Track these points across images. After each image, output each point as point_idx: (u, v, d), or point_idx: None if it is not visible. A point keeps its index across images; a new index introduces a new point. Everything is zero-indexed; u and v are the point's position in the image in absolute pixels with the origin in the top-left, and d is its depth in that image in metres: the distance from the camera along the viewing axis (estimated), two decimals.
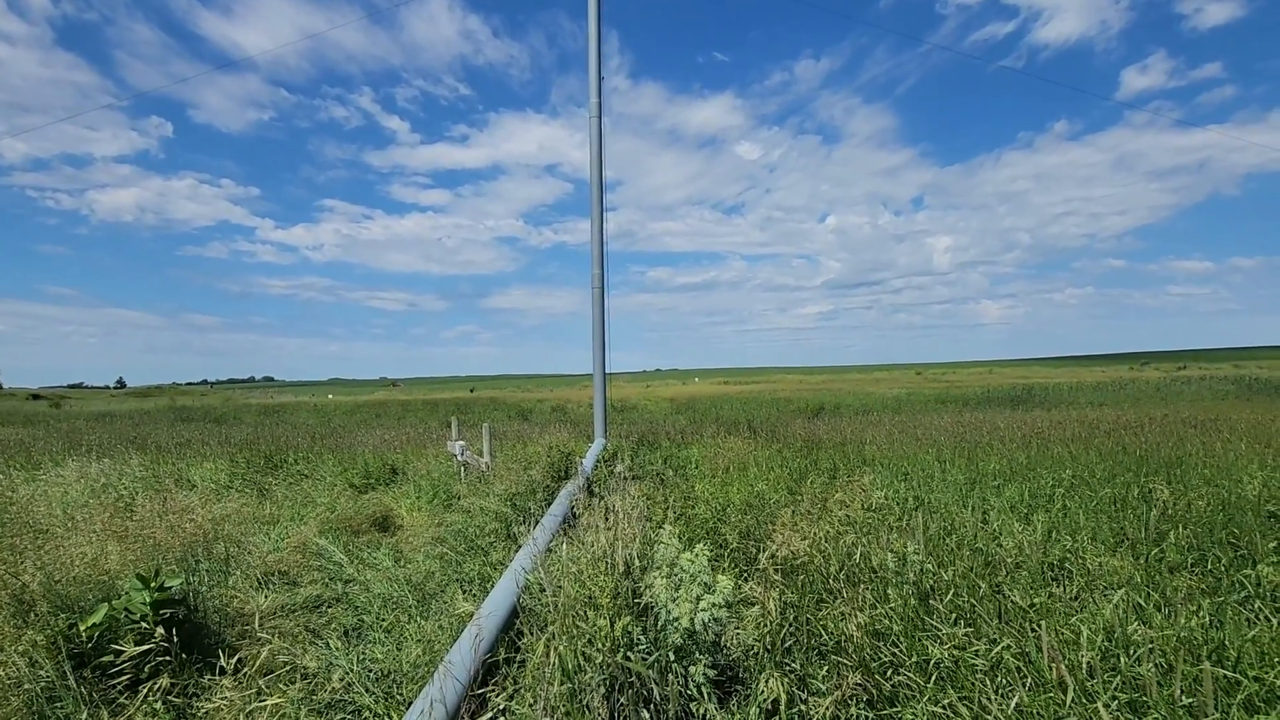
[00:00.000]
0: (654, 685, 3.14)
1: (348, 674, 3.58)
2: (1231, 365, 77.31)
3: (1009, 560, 4.64)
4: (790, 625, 3.88)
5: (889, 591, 4.02)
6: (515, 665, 3.53)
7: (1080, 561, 4.70)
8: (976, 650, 3.28)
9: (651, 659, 3.21)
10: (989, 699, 2.93)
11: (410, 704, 3.10)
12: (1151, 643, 3.17)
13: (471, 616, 3.69)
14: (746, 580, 4.94)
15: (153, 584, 3.87)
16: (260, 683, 3.40)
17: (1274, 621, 3.52)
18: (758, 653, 3.59)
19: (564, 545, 4.27)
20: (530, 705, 3.08)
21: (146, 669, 3.60)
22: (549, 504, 7.00)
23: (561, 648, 3.18)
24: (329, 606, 5.18)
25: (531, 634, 3.54)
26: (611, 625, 3.21)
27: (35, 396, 77.77)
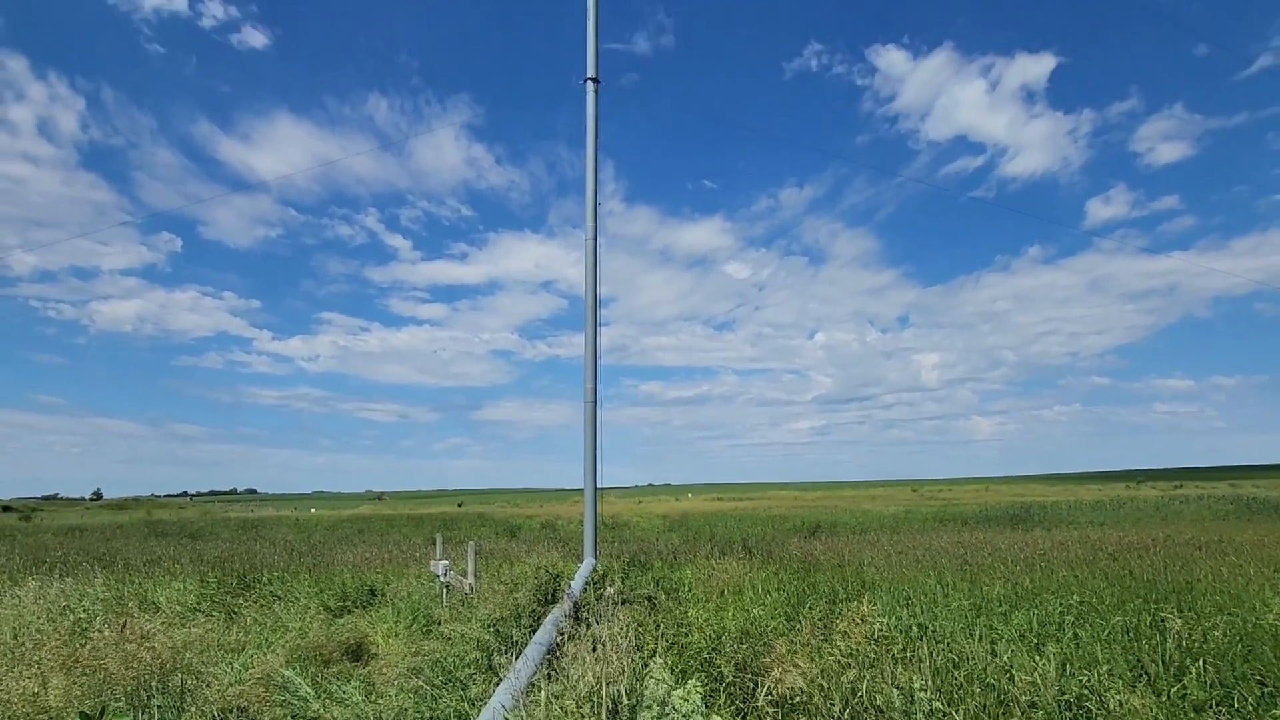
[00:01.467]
0: None
1: None
2: (1228, 484, 76.77)
3: (1023, 698, 4.34)
4: None
5: None
6: None
7: (1099, 700, 4.40)
8: None
9: None
10: None
11: None
12: None
13: None
14: None
15: None
16: None
17: None
18: None
19: (547, 683, 3.98)
20: None
21: None
22: (534, 630, 6.61)
23: None
24: None
25: None
26: None
27: (6, 509, 75.14)
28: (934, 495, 69.51)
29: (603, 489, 13.00)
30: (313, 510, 72.63)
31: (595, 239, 11.29)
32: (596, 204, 10.73)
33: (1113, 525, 25.02)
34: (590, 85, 11.94)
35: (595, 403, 11.61)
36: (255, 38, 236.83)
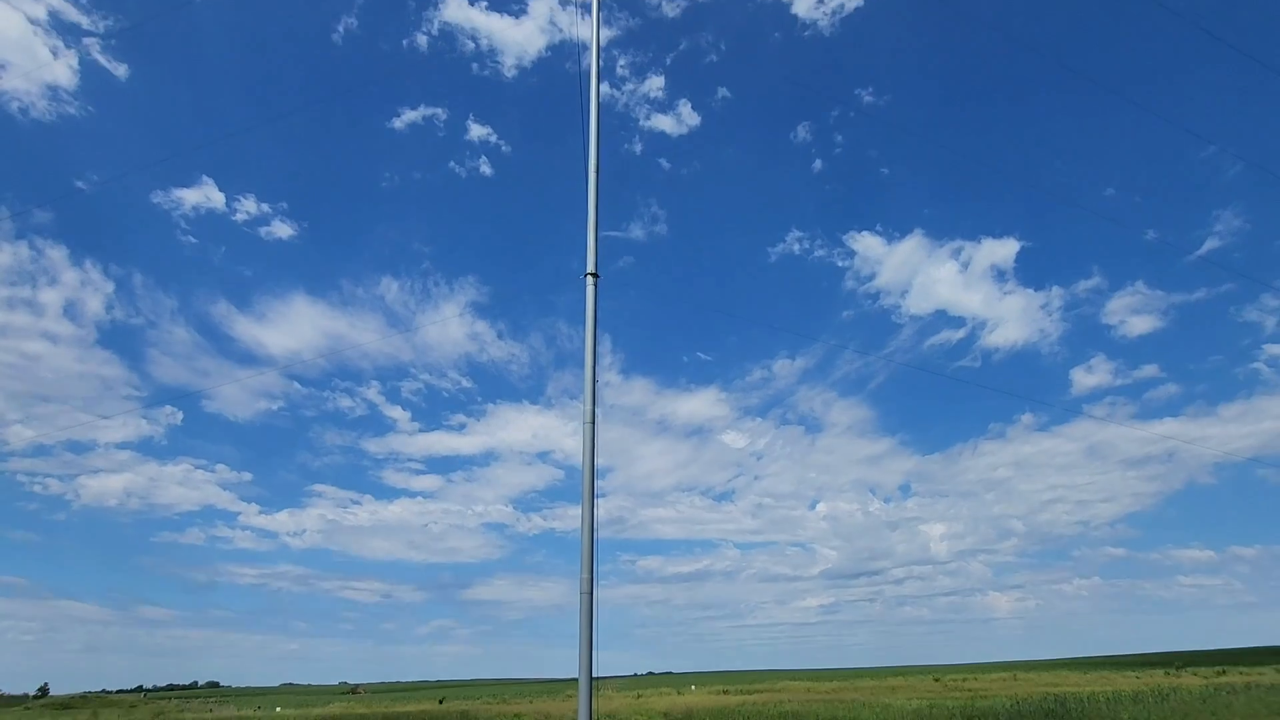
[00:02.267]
0: None
1: None
2: (1274, 670, 71.02)
3: None
4: None
5: None
6: None
7: None
8: None
9: None
10: None
11: None
12: None
13: None
14: None
15: None
16: None
17: None
18: None
19: None
20: None
21: None
22: None
23: None
24: None
25: None
26: None
27: None
28: (958, 685, 63.87)
29: (598, 679, 11.98)
30: (278, 710, 65.98)
31: (594, 423, 11.43)
32: (595, 395, 11.02)
33: None
34: (590, 280, 12.79)
35: (592, 594, 11.01)
36: (282, 229, 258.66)
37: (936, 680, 75.95)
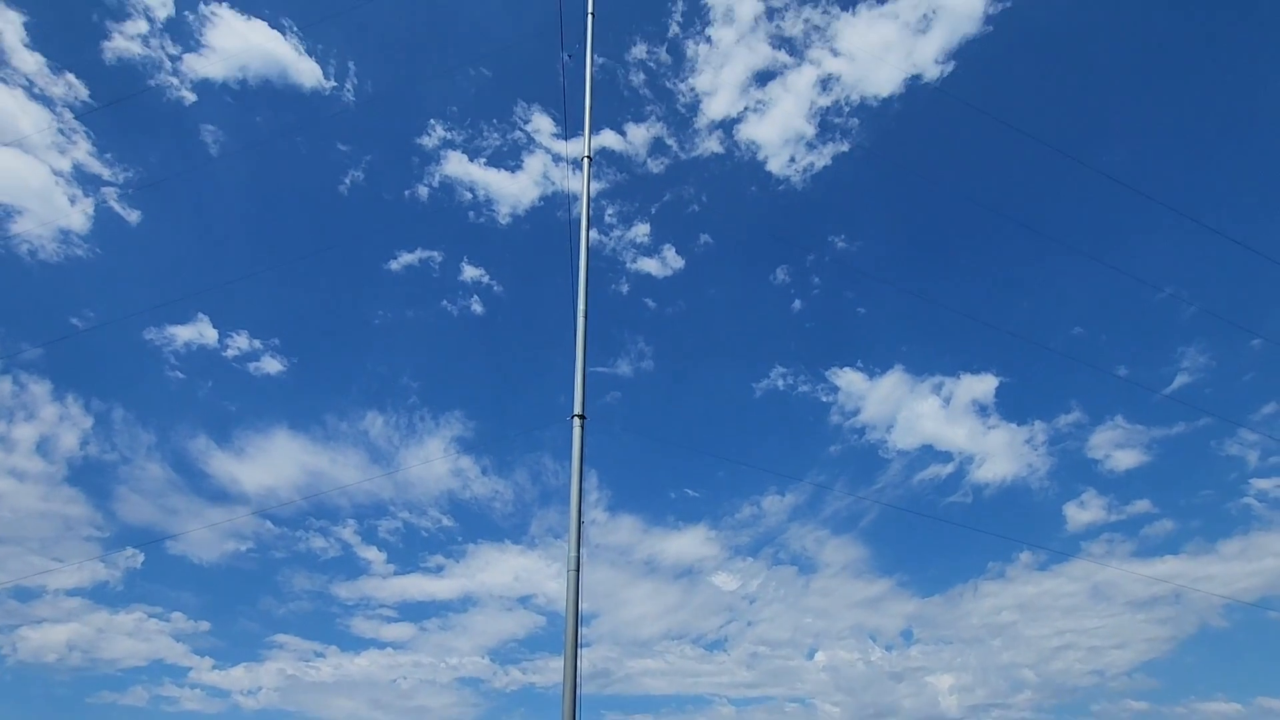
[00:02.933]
0: None
1: None
2: None
3: None
4: None
5: None
6: None
7: None
8: None
9: None
10: None
11: None
12: None
13: None
14: None
15: None
16: None
17: None
18: None
19: None
20: None
21: None
22: None
23: None
24: None
25: None
26: None
27: None
28: None
29: None
30: None
31: (579, 570, 11.04)
32: (580, 540, 10.76)
33: None
34: (577, 421, 12.87)
35: None
36: (272, 365, 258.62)
37: None
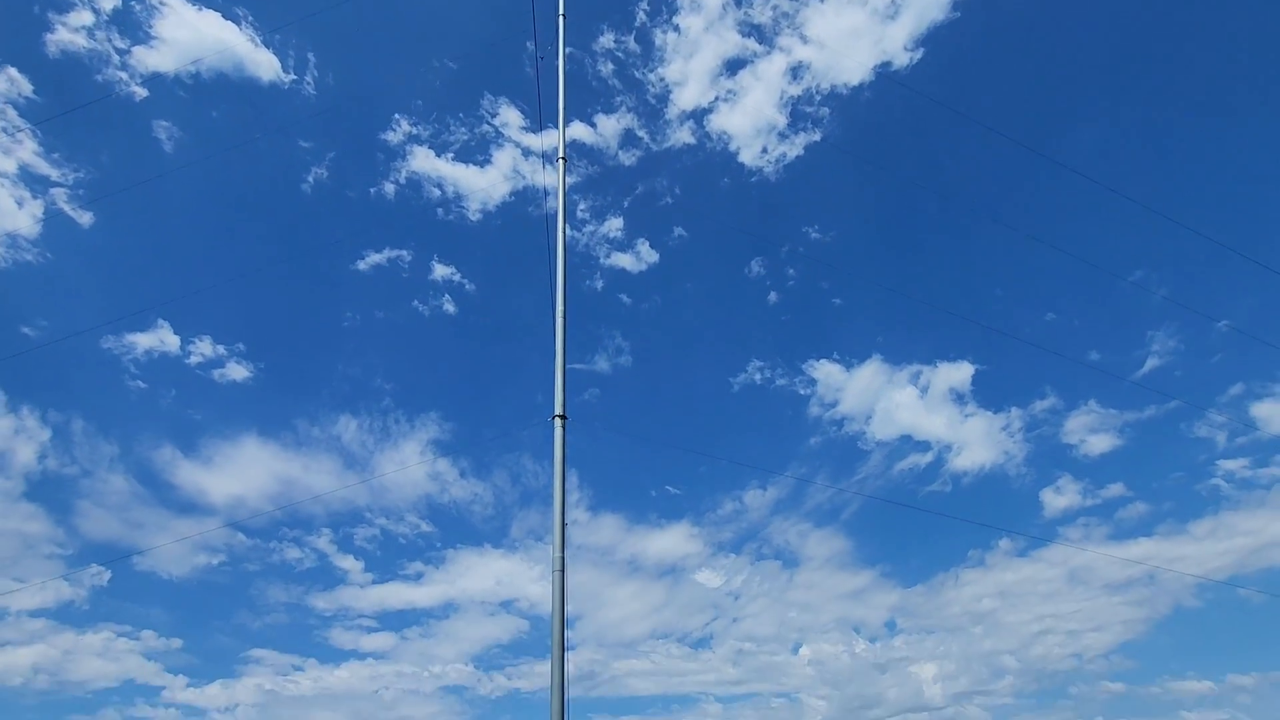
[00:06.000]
0: None
1: None
2: None
3: None
4: None
5: None
6: None
7: None
8: None
9: None
10: None
11: None
12: None
13: None
14: None
15: None
16: None
17: None
18: None
19: None
20: None
21: None
22: None
23: None
24: None
25: None
26: None
27: None
28: None
29: None
30: None
31: (563, 571, 10.90)
32: (564, 541, 10.63)
33: None
34: (559, 421, 12.72)
35: None
36: (237, 371, 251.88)
37: None
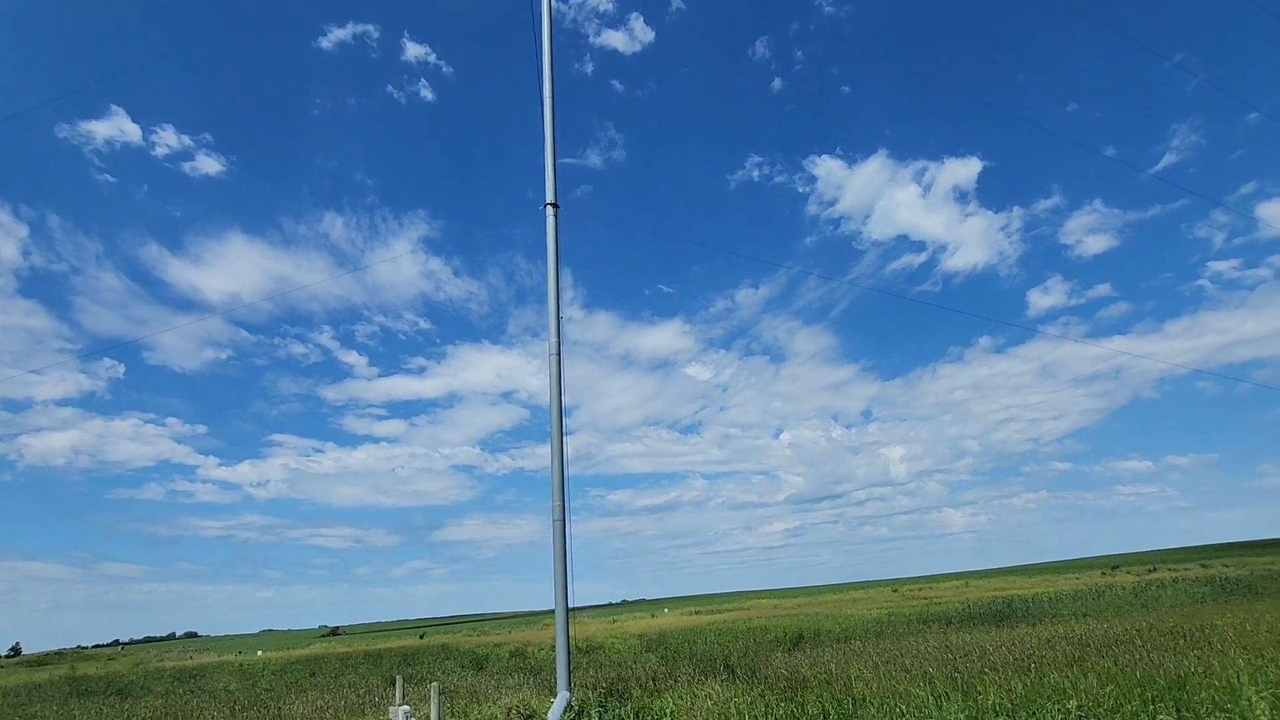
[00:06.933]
0: None
1: None
2: (1199, 565, 77.01)
3: None
4: None
5: None
6: None
7: None
8: None
9: None
10: None
11: None
12: None
13: None
14: None
15: None
16: None
17: None
18: None
19: None
20: None
21: None
22: None
23: None
24: None
25: None
26: None
27: None
28: (915, 594, 67.87)
29: (575, 609, 12.41)
30: (259, 653, 66.96)
31: (559, 355, 11.40)
32: (560, 327, 10.95)
33: (1095, 616, 24.64)
34: (550, 210, 12.50)
35: (565, 520, 11.27)
36: (209, 164, 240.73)
37: (895, 591, 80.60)
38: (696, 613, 71.16)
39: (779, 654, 18.55)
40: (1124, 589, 41.13)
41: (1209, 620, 15.93)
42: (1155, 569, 77.32)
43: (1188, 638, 12.58)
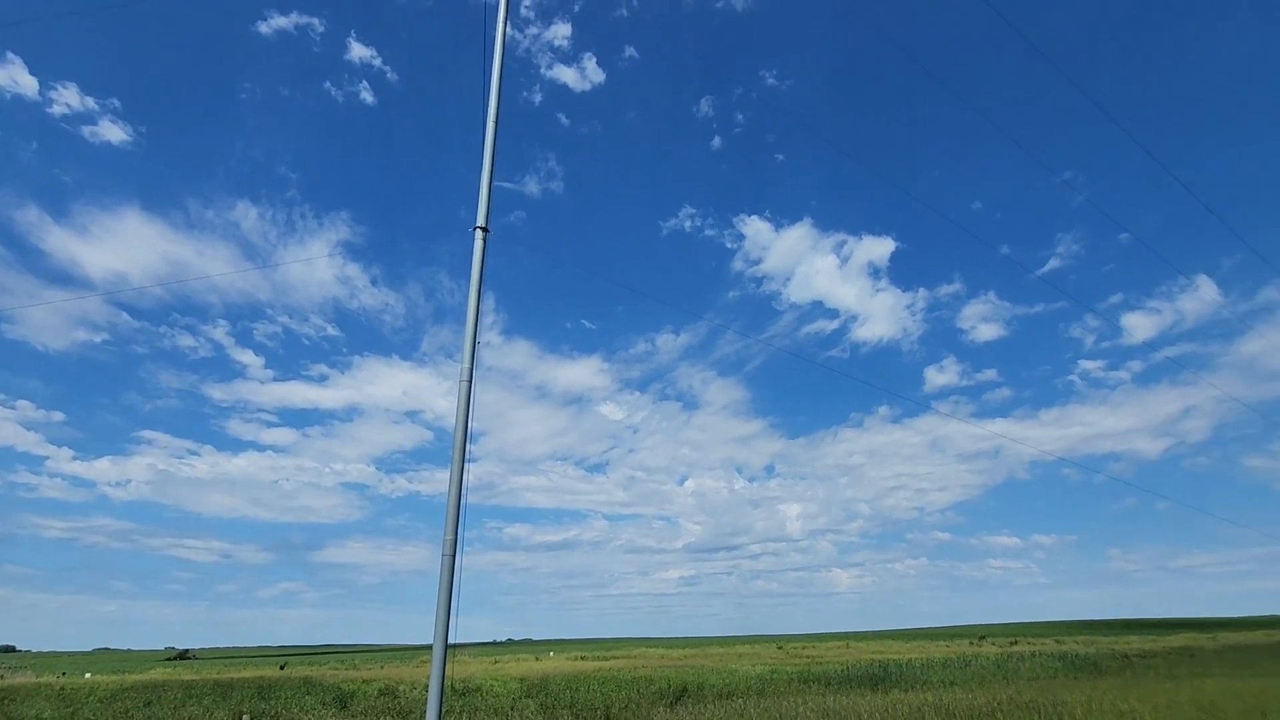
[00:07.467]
0: None
1: None
2: (1054, 640, 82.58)
3: None
4: None
5: None
6: None
7: None
8: None
9: None
10: None
11: None
12: None
13: None
14: None
15: None
16: None
17: None
18: None
19: None
20: None
21: None
22: None
23: None
24: None
25: None
26: None
27: None
28: (798, 652, 69.03)
29: (455, 646, 11.75)
30: (87, 675, 59.62)
31: (471, 381, 11.06)
32: (475, 352, 10.65)
33: (961, 685, 25.80)
34: (479, 234, 12.29)
35: (456, 555, 10.76)
36: (112, 132, 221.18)
37: (779, 648, 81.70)
38: (583, 657, 69.39)
39: (661, 708, 18.27)
40: (988, 659, 43.41)
41: (1060, 696, 16.98)
42: (1017, 641, 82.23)
43: (1041, 713, 13.32)
